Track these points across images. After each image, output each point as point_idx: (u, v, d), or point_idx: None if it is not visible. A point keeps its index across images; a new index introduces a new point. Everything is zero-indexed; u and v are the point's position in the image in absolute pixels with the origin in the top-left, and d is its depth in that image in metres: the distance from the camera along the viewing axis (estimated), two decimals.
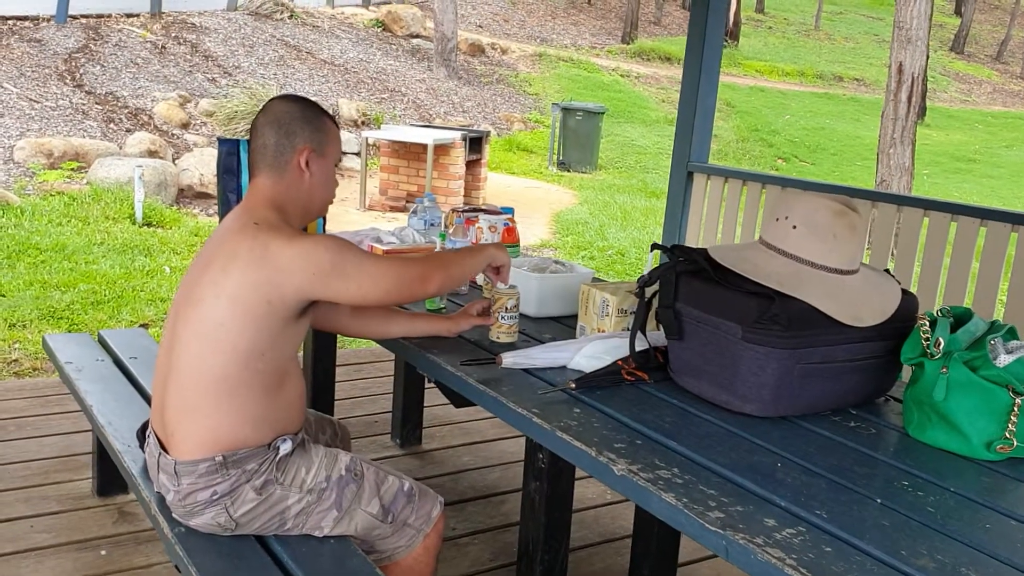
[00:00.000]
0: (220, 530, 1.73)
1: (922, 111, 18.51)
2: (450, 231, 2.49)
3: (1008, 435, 1.51)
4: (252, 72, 11.81)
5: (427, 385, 3.30)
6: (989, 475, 1.49)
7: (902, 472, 1.48)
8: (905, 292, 1.74)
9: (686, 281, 1.73)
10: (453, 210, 2.68)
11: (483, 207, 2.72)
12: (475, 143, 9.43)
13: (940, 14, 29.05)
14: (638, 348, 1.81)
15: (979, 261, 3.51)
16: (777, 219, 1.71)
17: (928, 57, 16.80)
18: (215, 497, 1.69)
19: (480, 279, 2.45)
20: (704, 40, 4.42)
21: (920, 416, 1.60)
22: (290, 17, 14.74)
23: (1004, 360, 1.55)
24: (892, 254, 3.93)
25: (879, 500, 1.35)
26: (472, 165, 9.47)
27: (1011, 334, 1.65)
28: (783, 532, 1.22)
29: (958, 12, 32.08)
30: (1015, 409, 1.50)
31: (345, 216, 8.18)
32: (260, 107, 1.82)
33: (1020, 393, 1.51)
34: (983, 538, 1.26)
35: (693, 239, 4.67)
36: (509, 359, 1.85)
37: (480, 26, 20.76)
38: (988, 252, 3.47)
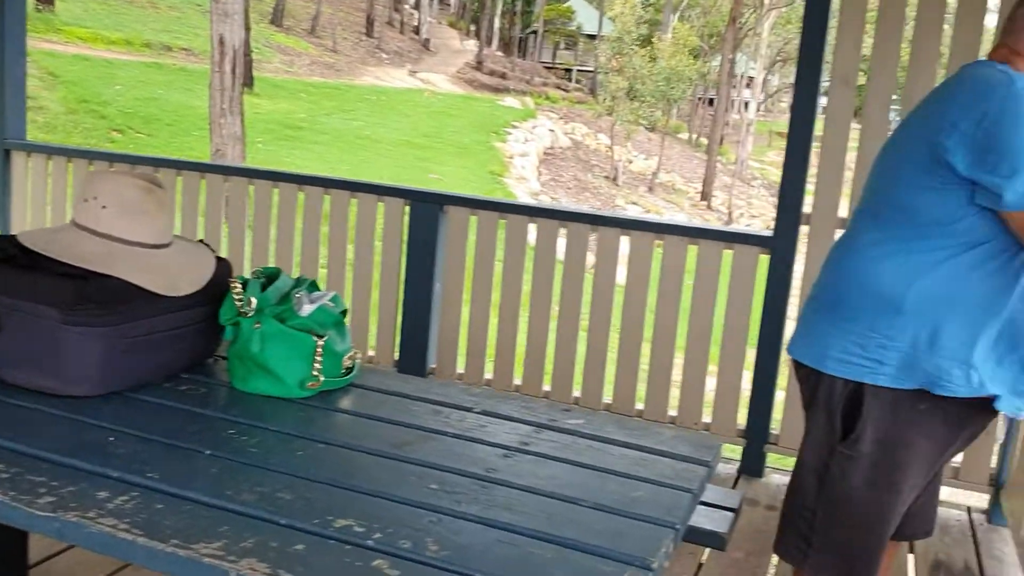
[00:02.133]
0: None
1: (249, 81, 19.41)
2: None
3: (316, 373, 1.76)
4: None
5: None
6: (304, 410, 1.72)
7: (229, 422, 1.63)
8: (220, 259, 1.89)
9: None
10: None
11: None
12: None
13: None
14: None
15: (302, 221, 3.91)
16: (86, 200, 1.72)
17: (250, 30, 17.55)
18: None
19: None
20: (4, 5, 4.07)
21: (243, 369, 1.77)
22: None
23: (307, 310, 1.80)
24: (225, 221, 4.13)
25: (208, 452, 1.49)
26: None
27: (314, 286, 1.91)
28: (116, 501, 1.28)
29: None
30: (318, 350, 1.76)
31: None
32: None
33: (321, 336, 1.77)
34: (297, 464, 1.47)
35: (21, 223, 4.33)
36: None
37: None
38: (308, 213, 3.87)
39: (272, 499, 1.33)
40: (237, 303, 1.75)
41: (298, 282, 1.90)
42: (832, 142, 3.11)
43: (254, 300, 1.75)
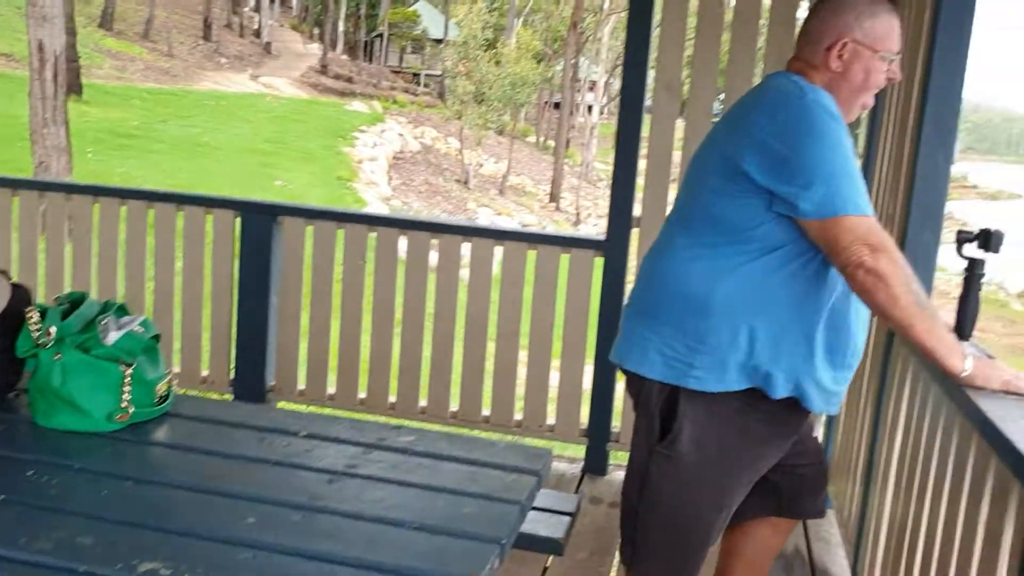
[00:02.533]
0: None
1: (77, 88, 18.38)
2: None
3: (125, 404, 1.66)
4: None
5: None
6: (113, 444, 1.62)
7: (29, 462, 1.51)
8: (16, 286, 1.76)
9: None
10: None
11: None
12: None
13: None
14: None
15: (125, 236, 3.70)
16: None
17: (75, 34, 16.60)
18: None
19: None
20: None
21: (44, 404, 1.65)
22: None
23: (113, 337, 1.69)
24: (43, 238, 3.88)
25: (2, 496, 1.37)
26: None
27: (123, 311, 1.80)
28: None
29: None
30: (126, 380, 1.65)
31: None
32: None
33: (129, 364, 1.67)
34: (101, 504, 1.38)
35: None
36: None
37: None
38: (132, 228, 3.68)
39: (71, 545, 1.24)
40: (34, 333, 1.63)
41: (105, 307, 1.79)
42: (658, 147, 3.20)
43: (53, 329, 1.63)
